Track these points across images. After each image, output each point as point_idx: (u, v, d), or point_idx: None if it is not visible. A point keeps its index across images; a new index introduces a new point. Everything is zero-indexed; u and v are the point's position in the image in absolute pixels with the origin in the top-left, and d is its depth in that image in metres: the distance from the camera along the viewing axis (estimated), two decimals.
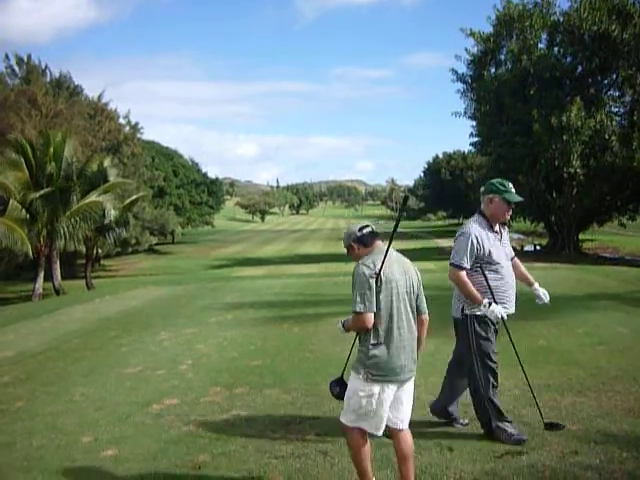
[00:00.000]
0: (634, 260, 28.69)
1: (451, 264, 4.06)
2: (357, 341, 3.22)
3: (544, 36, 29.53)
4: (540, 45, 29.38)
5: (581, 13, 26.21)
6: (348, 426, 3.18)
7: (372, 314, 3.05)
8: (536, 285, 4.30)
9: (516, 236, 58.10)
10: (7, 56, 37.84)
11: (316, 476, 3.52)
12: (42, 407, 5.32)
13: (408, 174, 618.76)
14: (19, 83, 35.65)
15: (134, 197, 28.35)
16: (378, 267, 3.07)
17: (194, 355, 7.20)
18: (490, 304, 3.93)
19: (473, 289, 3.97)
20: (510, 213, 4.15)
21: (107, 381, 6.14)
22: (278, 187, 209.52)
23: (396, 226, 3.28)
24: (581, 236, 34.65)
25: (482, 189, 4.18)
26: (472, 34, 29.94)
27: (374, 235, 3.27)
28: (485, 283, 4.00)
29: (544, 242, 40.20)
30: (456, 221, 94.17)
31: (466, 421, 4.33)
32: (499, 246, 4.10)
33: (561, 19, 28.46)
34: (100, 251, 33.49)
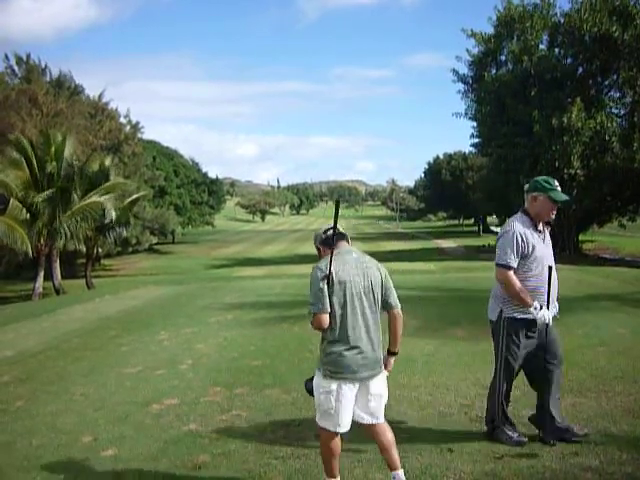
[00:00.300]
0: (634, 261, 28.70)
1: (497, 264, 3.90)
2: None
3: (545, 37, 29.53)
4: (541, 46, 29.38)
5: (582, 14, 26.20)
6: (319, 424, 3.27)
7: (326, 314, 3.13)
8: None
9: None
10: (7, 56, 37.88)
11: (316, 476, 3.52)
12: (42, 407, 5.32)
13: (409, 174, 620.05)
14: (19, 83, 35.66)
15: (135, 196, 28.37)
16: (330, 269, 3.13)
17: (194, 355, 7.20)
18: (541, 307, 3.80)
19: (523, 290, 3.81)
20: (555, 212, 3.94)
21: (107, 381, 6.14)
22: (278, 187, 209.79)
23: (334, 229, 3.27)
24: (581, 237, 34.65)
25: (526, 187, 4.00)
26: (473, 35, 29.96)
27: (339, 236, 3.31)
28: (527, 284, 3.84)
29: None
30: (456, 222, 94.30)
31: (585, 430, 3.99)
32: (543, 246, 3.93)
33: (562, 20, 28.46)
34: (100, 250, 33.50)
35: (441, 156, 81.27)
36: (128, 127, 45.42)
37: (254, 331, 8.64)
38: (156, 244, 53.53)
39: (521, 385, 5.18)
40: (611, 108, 28.63)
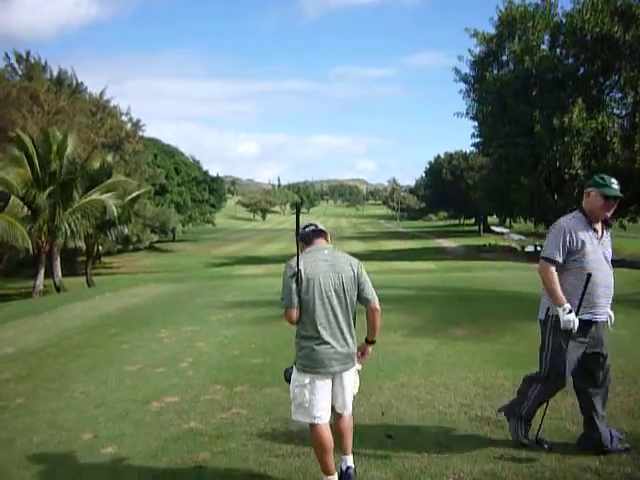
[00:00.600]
0: (634, 261, 28.69)
1: (542, 257, 3.76)
2: None
3: (546, 37, 29.49)
4: (542, 46, 29.34)
5: (583, 14, 26.17)
6: (293, 418, 3.38)
7: (295, 309, 3.28)
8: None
9: (517, 237, 58.25)
10: (7, 55, 37.87)
11: (316, 475, 3.52)
12: (42, 404, 5.33)
13: (409, 174, 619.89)
14: (20, 80, 35.64)
15: (135, 194, 28.33)
16: (300, 266, 3.25)
17: (194, 353, 7.20)
18: (570, 311, 3.62)
19: (558, 288, 3.66)
20: (611, 211, 3.76)
21: (107, 378, 6.14)
22: (279, 186, 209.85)
23: (297, 231, 3.41)
24: None
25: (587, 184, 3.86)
26: (475, 35, 29.94)
27: (316, 233, 3.45)
28: (574, 284, 3.67)
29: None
30: (457, 221, 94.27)
31: (626, 445, 3.81)
32: (597, 246, 3.74)
33: (563, 20, 28.44)
34: (101, 248, 33.53)
35: (442, 156, 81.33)
36: (129, 125, 45.42)
37: (254, 329, 8.65)
38: (157, 242, 53.58)
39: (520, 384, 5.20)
40: (612, 108, 28.61)
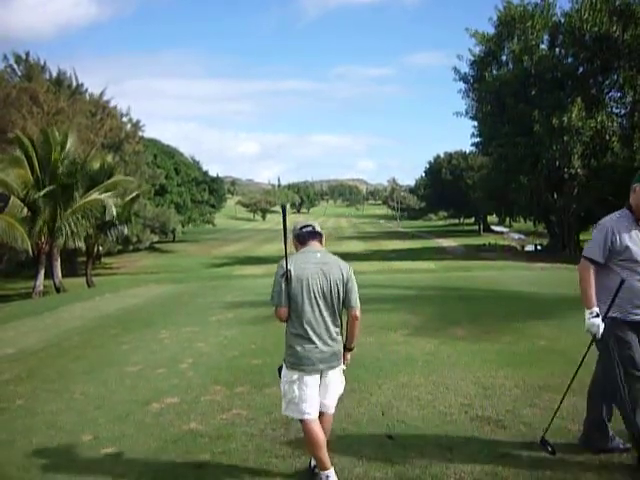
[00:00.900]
0: None
1: (582, 256, 3.66)
2: None
3: (545, 37, 29.56)
4: (541, 46, 29.43)
5: (582, 14, 26.22)
6: (284, 414, 3.52)
7: (284, 308, 3.39)
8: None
9: (517, 236, 58.25)
10: (5, 56, 37.78)
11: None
12: (42, 405, 5.32)
13: (409, 174, 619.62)
14: (20, 81, 35.62)
15: (135, 193, 28.32)
16: (290, 266, 3.35)
17: (195, 353, 7.19)
18: (597, 315, 3.54)
19: (591, 289, 3.57)
20: None
21: (107, 379, 6.14)
22: (279, 186, 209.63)
23: (284, 232, 3.53)
24: (582, 236, 34.65)
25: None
26: (475, 34, 29.98)
27: (312, 235, 3.56)
28: (617, 284, 3.50)
29: (545, 242, 40.24)
30: (457, 221, 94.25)
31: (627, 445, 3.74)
32: None
33: (562, 20, 28.49)
34: (101, 249, 33.52)
35: (442, 155, 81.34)
36: (129, 125, 45.39)
37: (254, 330, 8.64)
38: (157, 242, 53.57)
39: (521, 384, 5.21)
40: (611, 108, 28.67)
